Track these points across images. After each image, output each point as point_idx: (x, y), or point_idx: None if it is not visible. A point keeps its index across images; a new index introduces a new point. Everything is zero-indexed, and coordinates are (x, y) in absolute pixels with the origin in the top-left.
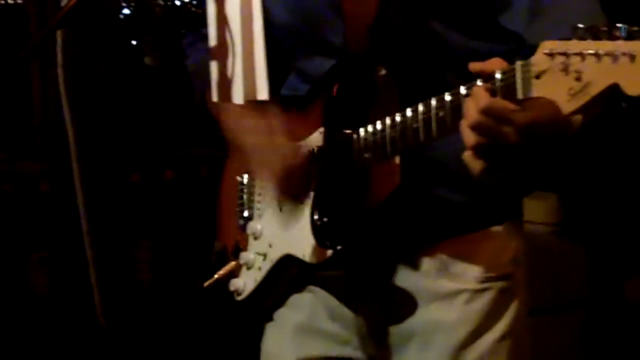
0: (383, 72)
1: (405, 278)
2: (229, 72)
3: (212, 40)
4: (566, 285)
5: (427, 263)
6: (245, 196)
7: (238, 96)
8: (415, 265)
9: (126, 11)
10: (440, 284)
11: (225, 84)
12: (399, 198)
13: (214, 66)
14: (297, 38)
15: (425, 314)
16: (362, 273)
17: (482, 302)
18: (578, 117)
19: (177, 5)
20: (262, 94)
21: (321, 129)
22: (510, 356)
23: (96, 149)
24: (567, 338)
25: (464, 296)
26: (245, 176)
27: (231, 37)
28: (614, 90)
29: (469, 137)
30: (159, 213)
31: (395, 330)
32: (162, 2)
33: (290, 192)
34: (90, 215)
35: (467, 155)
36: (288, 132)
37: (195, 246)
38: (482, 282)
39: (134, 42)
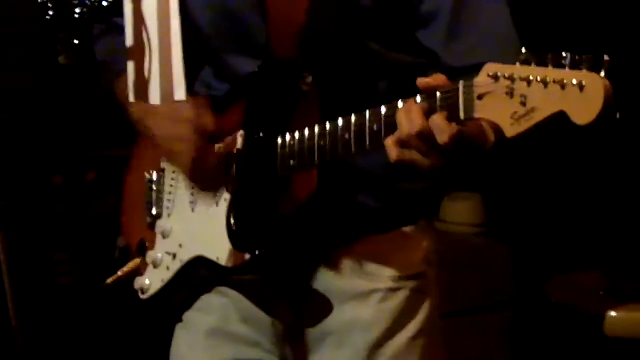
0: (309, 79)
1: (319, 279)
2: (145, 72)
3: (129, 40)
4: (492, 286)
5: (341, 264)
6: (154, 193)
7: (155, 96)
8: (329, 266)
9: (51, 13)
10: (355, 283)
11: (142, 83)
12: (315, 202)
13: (130, 66)
14: (217, 34)
15: (340, 314)
16: (276, 276)
17: (396, 301)
18: (491, 142)
19: (97, 6)
20: (180, 94)
21: (241, 132)
22: (424, 354)
23: (14, 150)
24: (493, 338)
25: (378, 295)
26: (155, 173)
27: (148, 36)
28: (558, 117)
29: (393, 151)
30: (81, 215)
31: (310, 331)
32: (88, 3)
33: (204, 184)
34: (6, 219)
35: (390, 142)
36: (202, 124)
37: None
38: (396, 281)
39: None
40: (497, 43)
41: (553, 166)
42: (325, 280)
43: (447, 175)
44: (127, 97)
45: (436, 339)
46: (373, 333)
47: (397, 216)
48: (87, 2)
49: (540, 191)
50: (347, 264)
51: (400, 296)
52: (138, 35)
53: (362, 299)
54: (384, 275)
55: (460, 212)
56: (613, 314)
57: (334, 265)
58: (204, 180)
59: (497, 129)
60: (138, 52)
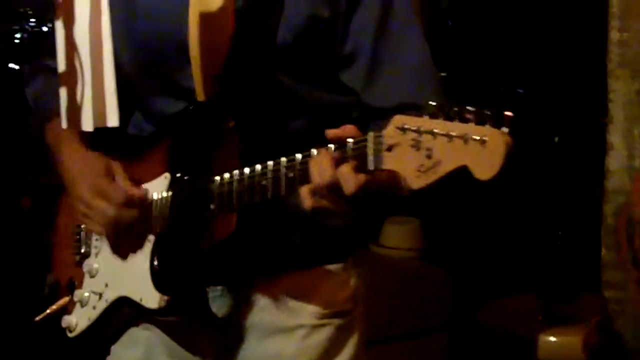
0: (232, 123)
1: (243, 313)
2: (78, 99)
3: (61, 66)
4: (429, 310)
5: (264, 298)
6: (82, 232)
7: (87, 123)
8: (253, 301)
9: None
10: (278, 319)
11: (75, 110)
12: (234, 239)
13: (63, 92)
14: (141, 76)
15: (263, 348)
16: (199, 311)
17: (320, 337)
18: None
19: (37, 31)
20: (112, 120)
21: (166, 174)
22: None
23: None
24: None
25: (302, 331)
26: None
27: (80, 63)
28: (462, 170)
29: (307, 200)
30: (15, 241)
31: None
32: (29, 28)
33: (121, 243)
34: None
35: (304, 191)
36: (128, 177)
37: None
38: (320, 318)
39: None
40: (417, 82)
41: (490, 192)
42: (248, 315)
43: (370, 214)
44: (56, 143)
45: None
46: None
47: (322, 252)
48: (27, 27)
49: (478, 216)
50: (270, 299)
51: (325, 332)
52: (70, 61)
53: (286, 333)
54: (307, 312)
55: (398, 237)
56: (546, 338)
57: (257, 300)
58: (125, 232)
59: None
60: (70, 78)
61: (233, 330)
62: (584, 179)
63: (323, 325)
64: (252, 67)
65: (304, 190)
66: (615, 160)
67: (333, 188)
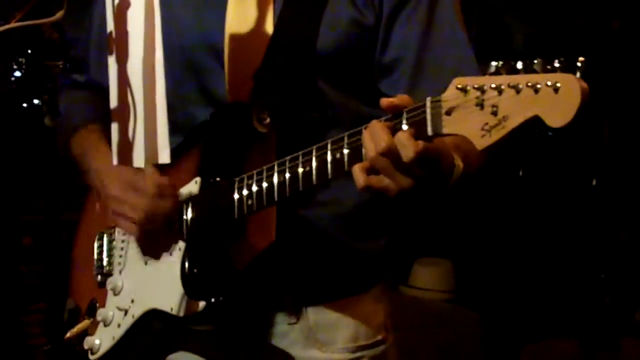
0: (267, 120)
1: (274, 342)
2: (130, 135)
3: (113, 102)
4: (461, 353)
5: (293, 332)
6: (104, 252)
7: (139, 159)
8: (284, 331)
9: (17, 74)
10: (308, 355)
11: (126, 146)
12: (271, 256)
13: (114, 128)
14: (180, 86)
15: None
16: (230, 331)
17: None
18: (459, 167)
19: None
20: (164, 157)
21: (197, 179)
22: None
23: None
24: None
25: None
26: (105, 231)
27: (133, 99)
28: (532, 123)
29: (360, 178)
30: (54, 275)
31: None
32: (59, 64)
33: (150, 249)
34: None
35: (357, 169)
36: (157, 180)
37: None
38: (354, 351)
39: (24, 105)
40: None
41: (527, 234)
42: (280, 345)
43: (402, 235)
44: (83, 152)
45: None
46: None
47: (350, 282)
48: (59, 63)
49: (514, 258)
50: (300, 330)
51: None
52: (123, 97)
53: None
54: (339, 345)
55: (429, 278)
56: None
57: (289, 331)
58: (154, 237)
59: (467, 154)
60: (122, 114)
61: (266, 353)
62: (622, 222)
63: (357, 359)
64: (289, 71)
65: (357, 168)
66: None
67: (389, 156)
